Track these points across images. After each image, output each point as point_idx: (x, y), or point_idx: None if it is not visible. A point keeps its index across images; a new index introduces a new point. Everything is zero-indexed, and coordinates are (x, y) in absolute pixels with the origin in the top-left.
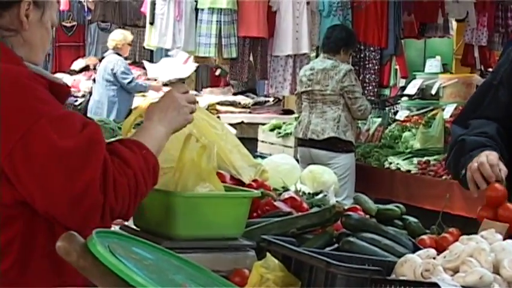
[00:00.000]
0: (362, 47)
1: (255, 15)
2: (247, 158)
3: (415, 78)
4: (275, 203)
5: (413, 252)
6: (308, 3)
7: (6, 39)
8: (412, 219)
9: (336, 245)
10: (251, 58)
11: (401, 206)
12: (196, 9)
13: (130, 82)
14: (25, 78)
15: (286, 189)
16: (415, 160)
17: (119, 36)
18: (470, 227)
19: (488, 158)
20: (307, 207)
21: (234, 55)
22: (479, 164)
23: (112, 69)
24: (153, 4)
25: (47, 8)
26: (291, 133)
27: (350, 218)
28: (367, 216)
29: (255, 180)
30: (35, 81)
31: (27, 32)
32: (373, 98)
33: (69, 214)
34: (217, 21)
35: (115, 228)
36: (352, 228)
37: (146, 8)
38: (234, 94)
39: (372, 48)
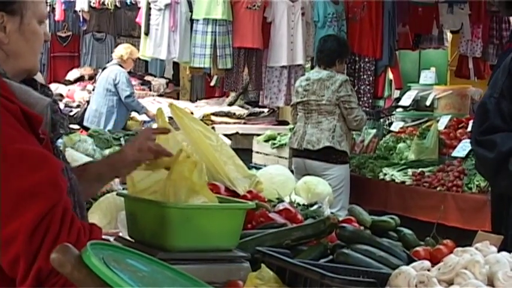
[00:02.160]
0: (357, 58)
1: (249, 26)
2: (242, 169)
3: (409, 89)
4: (270, 215)
5: (408, 264)
6: (303, 14)
7: None
8: (406, 230)
9: (331, 257)
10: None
11: (395, 217)
12: (191, 20)
13: (129, 96)
14: None
15: (280, 200)
16: (410, 171)
17: (127, 49)
18: (465, 238)
19: None
20: (301, 218)
21: (229, 66)
22: None
23: (114, 79)
24: (148, 15)
25: (24, 11)
26: (285, 144)
27: (344, 230)
28: (362, 227)
29: (249, 192)
30: (4, 106)
31: (9, 45)
32: (367, 109)
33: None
34: (212, 31)
35: (110, 239)
36: (347, 240)
37: (141, 19)
38: (229, 105)
39: (366, 60)
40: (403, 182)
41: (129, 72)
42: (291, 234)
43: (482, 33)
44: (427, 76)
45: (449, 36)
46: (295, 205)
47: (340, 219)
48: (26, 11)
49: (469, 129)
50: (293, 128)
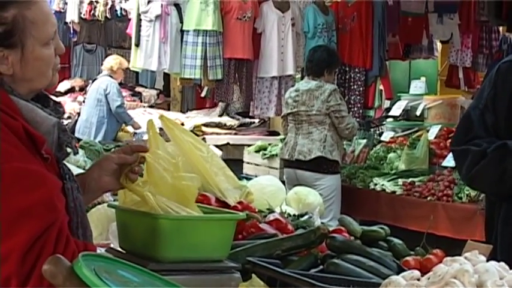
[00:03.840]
0: (347, 69)
1: (240, 37)
2: (233, 180)
3: (399, 99)
4: (260, 225)
5: (398, 273)
6: (293, 25)
7: (3, 85)
8: (396, 240)
9: (321, 267)
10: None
11: (385, 227)
12: (182, 31)
13: (119, 106)
14: None
15: (271, 211)
16: (400, 181)
17: (115, 60)
18: (455, 248)
19: None
20: (292, 229)
21: (220, 77)
22: None
23: (105, 90)
24: (139, 26)
25: (25, 40)
26: (276, 154)
27: (335, 240)
28: (352, 237)
29: (240, 202)
30: (5, 123)
31: (15, 74)
32: (358, 119)
33: None
34: (202, 42)
35: (101, 250)
36: (337, 250)
37: (131, 30)
38: (220, 115)
39: (356, 70)
40: (394, 192)
41: (120, 84)
42: (281, 245)
43: (472, 43)
44: (417, 86)
45: (439, 46)
46: (285, 215)
47: (331, 229)
48: (26, 40)
49: None
50: (284, 139)
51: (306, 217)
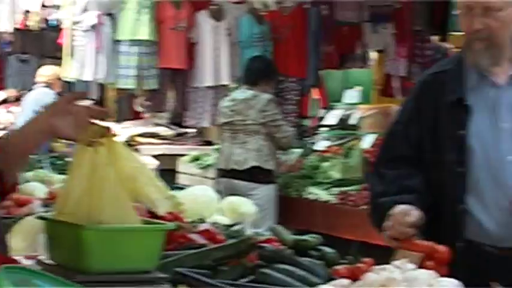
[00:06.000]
0: (282, 78)
1: (175, 46)
2: (163, 190)
3: (335, 108)
4: (190, 236)
5: (328, 282)
6: (228, 34)
7: None
8: (328, 249)
9: (251, 277)
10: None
11: (317, 236)
12: (117, 41)
13: None
14: None
15: (203, 221)
16: (335, 190)
17: (50, 71)
18: (388, 256)
19: (395, 217)
20: (222, 239)
21: (154, 86)
22: (388, 227)
23: (42, 101)
24: (72, 35)
25: None
26: (211, 164)
27: (265, 250)
28: (284, 247)
29: (170, 213)
30: None
31: None
32: (294, 129)
33: None
34: (137, 52)
35: (28, 262)
36: (267, 260)
37: (63, 40)
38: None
39: (292, 79)
40: (328, 201)
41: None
42: (211, 255)
43: (407, 52)
44: (352, 95)
45: (374, 55)
46: (217, 226)
47: (263, 239)
48: None
49: None
50: (219, 149)
51: (237, 227)
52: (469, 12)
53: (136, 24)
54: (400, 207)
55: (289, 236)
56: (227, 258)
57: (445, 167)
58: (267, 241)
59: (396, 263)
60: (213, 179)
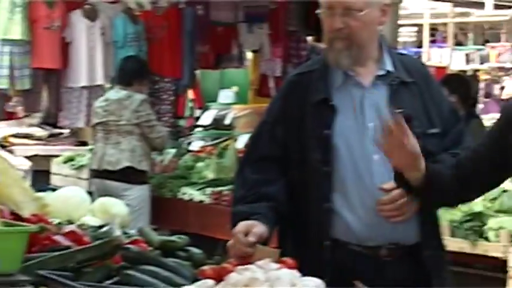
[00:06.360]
0: (157, 78)
1: (48, 46)
2: (29, 192)
3: (210, 109)
4: (54, 237)
5: (194, 283)
6: (103, 34)
7: None
8: (195, 250)
9: (116, 278)
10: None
11: (184, 236)
12: None
13: None
14: None
15: (71, 222)
16: (209, 190)
17: None
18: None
19: (236, 237)
20: (88, 240)
21: (27, 86)
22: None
23: None
24: None
25: None
26: (85, 165)
27: (129, 251)
28: (151, 248)
29: (35, 215)
30: None
31: None
32: (168, 129)
33: None
34: (9, 52)
35: None
36: (132, 261)
37: None
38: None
39: (167, 80)
40: (202, 201)
41: None
42: (74, 257)
43: (282, 53)
44: (227, 95)
45: (249, 55)
46: (85, 227)
47: (129, 240)
48: None
49: None
50: (93, 149)
51: (105, 228)
52: (330, 11)
53: (8, 24)
54: (243, 225)
55: (156, 237)
56: (91, 260)
57: (311, 166)
58: (134, 242)
59: (259, 263)
60: (87, 179)
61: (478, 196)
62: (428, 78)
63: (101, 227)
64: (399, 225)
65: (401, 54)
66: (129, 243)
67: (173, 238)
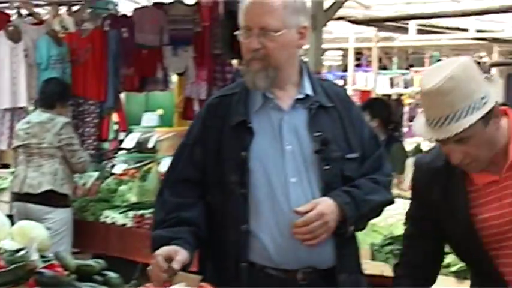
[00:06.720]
0: (81, 101)
1: None
2: None
3: (133, 131)
4: None
5: None
6: (26, 55)
7: None
8: (112, 274)
9: None
10: None
11: (100, 261)
12: None
13: None
14: None
15: None
16: (131, 213)
17: None
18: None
19: (156, 264)
20: (3, 265)
21: None
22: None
23: None
24: None
25: None
26: (6, 188)
27: (43, 276)
28: (67, 272)
29: None
30: None
31: None
32: (92, 152)
33: None
34: None
35: None
36: (46, 285)
37: None
38: None
39: (91, 102)
40: (124, 225)
41: None
42: None
43: (207, 76)
44: (150, 118)
45: (175, 78)
46: (1, 251)
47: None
48: None
49: None
50: (14, 172)
51: (22, 252)
52: (247, 32)
53: None
54: (165, 250)
55: (72, 261)
56: (6, 284)
57: (229, 188)
58: (50, 267)
59: (175, 286)
60: (8, 202)
61: None
62: (348, 104)
63: (18, 250)
64: (315, 248)
65: (323, 79)
66: (45, 267)
67: (90, 262)
